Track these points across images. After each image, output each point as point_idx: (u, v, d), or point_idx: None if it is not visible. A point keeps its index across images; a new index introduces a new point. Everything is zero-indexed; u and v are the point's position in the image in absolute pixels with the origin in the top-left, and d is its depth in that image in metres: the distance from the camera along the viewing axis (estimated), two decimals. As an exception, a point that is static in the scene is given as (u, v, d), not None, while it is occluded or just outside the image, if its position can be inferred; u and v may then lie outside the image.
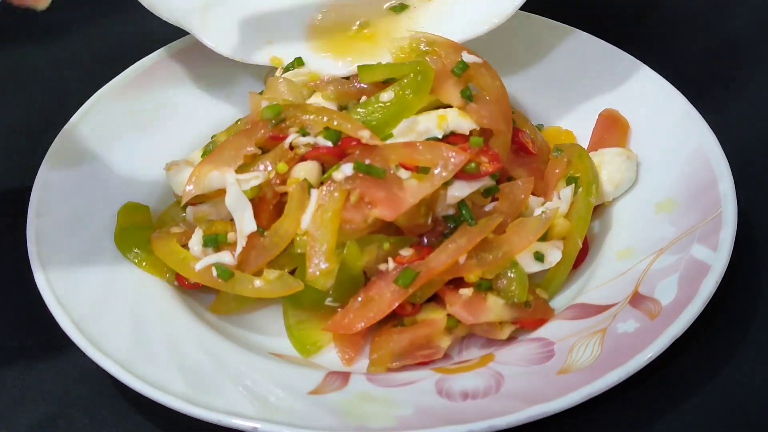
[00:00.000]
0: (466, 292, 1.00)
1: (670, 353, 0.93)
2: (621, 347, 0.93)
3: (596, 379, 0.89)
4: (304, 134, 1.05)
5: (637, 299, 0.98)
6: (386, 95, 1.08)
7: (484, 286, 1.01)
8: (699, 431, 0.95)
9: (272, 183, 1.04)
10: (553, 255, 1.04)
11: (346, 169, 1.01)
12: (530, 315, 1.01)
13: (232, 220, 1.06)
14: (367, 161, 1.01)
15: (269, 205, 1.04)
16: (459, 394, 0.92)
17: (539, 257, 1.03)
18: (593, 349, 0.94)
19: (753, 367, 1.00)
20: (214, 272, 1.02)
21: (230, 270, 1.01)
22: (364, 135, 1.04)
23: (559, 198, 1.08)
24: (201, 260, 1.02)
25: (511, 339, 1.01)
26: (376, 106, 1.08)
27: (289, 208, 1.03)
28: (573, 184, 1.08)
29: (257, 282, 1.01)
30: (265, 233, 1.03)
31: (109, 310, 0.99)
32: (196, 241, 1.04)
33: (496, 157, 1.06)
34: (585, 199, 1.08)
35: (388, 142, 1.07)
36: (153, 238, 1.07)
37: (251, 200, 1.03)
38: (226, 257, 1.02)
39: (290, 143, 1.04)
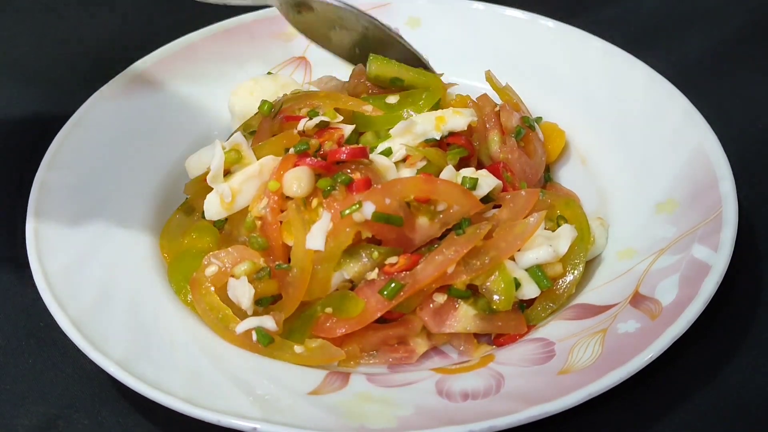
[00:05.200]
0: (439, 299, 1.00)
1: (671, 353, 0.93)
2: (622, 347, 0.93)
3: (597, 379, 0.89)
4: (313, 116, 1.10)
5: (637, 299, 0.98)
6: (392, 98, 1.14)
7: (461, 294, 1.00)
8: (700, 431, 0.95)
9: (271, 205, 1.03)
10: (529, 289, 1.02)
11: (367, 212, 0.98)
12: (499, 329, 1.01)
13: (276, 276, 1.02)
14: (387, 200, 0.99)
15: (273, 225, 1.03)
16: (459, 395, 0.92)
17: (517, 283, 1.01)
18: (594, 349, 0.94)
19: (754, 367, 1.00)
20: (254, 336, 0.99)
21: (270, 336, 0.99)
22: (367, 109, 1.11)
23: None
24: (241, 323, 0.99)
25: (511, 339, 1.01)
26: (381, 102, 1.14)
27: (292, 232, 1.01)
28: (573, 225, 1.05)
29: (297, 348, 0.99)
30: (291, 267, 1.00)
31: (109, 310, 0.99)
32: (245, 296, 1.00)
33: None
34: (582, 244, 1.05)
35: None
36: (192, 285, 1.03)
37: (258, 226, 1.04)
38: (268, 322, 0.99)
39: (303, 127, 1.09)
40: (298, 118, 1.11)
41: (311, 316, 1.00)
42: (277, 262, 1.02)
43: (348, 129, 1.10)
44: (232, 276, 1.02)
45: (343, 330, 0.99)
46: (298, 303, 1.00)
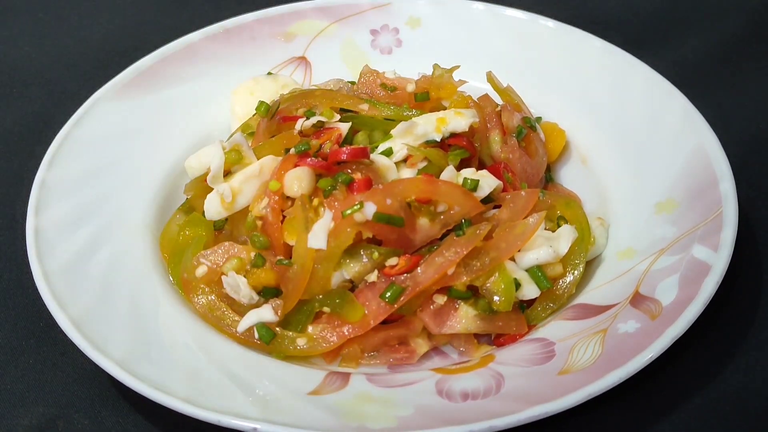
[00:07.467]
0: (439, 300, 1.00)
1: (671, 353, 0.93)
2: (622, 347, 0.93)
3: (597, 379, 0.89)
4: (310, 116, 1.10)
5: (637, 299, 0.98)
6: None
7: (461, 295, 1.00)
8: (700, 431, 0.95)
9: (271, 205, 1.03)
10: (529, 290, 1.02)
11: (368, 212, 0.98)
12: (499, 329, 1.01)
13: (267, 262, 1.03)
14: (389, 200, 0.99)
15: (275, 224, 1.03)
16: (459, 395, 0.92)
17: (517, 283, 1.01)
18: (594, 349, 0.94)
19: (754, 368, 1.00)
20: (256, 334, 0.99)
21: (272, 330, 0.99)
22: (364, 108, 1.11)
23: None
24: (242, 321, 1.00)
25: (511, 339, 1.01)
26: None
27: (295, 231, 1.01)
28: (573, 226, 1.05)
29: (300, 341, 0.99)
30: (291, 263, 1.00)
31: (109, 310, 0.99)
32: (240, 289, 1.01)
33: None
34: (582, 244, 1.04)
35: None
36: (184, 287, 1.04)
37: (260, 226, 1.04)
38: (267, 314, 1.00)
39: (300, 128, 1.09)
40: (296, 118, 1.12)
41: (310, 312, 1.00)
42: (278, 257, 1.02)
43: (344, 127, 1.10)
44: (223, 274, 1.02)
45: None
46: (297, 299, 1.00)
